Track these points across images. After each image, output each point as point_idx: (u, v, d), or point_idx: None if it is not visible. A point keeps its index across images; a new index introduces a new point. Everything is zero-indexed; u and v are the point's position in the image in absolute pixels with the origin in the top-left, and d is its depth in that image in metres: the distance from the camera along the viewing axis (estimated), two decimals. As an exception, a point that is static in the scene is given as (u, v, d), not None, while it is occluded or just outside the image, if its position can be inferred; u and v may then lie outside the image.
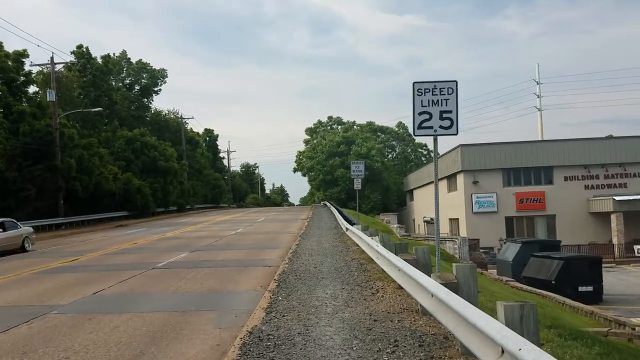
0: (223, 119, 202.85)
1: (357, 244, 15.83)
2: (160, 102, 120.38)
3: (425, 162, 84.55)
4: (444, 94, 7.51)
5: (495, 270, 24.37)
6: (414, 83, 7.60)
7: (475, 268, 5.34)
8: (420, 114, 7.55)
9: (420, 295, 5.27)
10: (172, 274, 12.82)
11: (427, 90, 7.52)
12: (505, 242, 25.25)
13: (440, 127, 7.54)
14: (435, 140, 7.93)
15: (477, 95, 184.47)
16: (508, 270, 22.18)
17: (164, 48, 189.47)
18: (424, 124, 7.56)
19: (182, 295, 10.08)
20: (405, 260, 6.76)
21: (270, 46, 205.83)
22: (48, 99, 35.17)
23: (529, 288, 17.28)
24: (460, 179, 38.65)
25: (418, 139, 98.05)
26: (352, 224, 18.30)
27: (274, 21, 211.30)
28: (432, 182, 45.30)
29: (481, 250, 28.42)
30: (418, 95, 7.54)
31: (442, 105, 7.52)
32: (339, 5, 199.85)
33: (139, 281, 12.04)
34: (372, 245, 9.47)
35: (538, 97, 68.80)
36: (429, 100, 7.53)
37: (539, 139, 57.35)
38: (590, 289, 19.08)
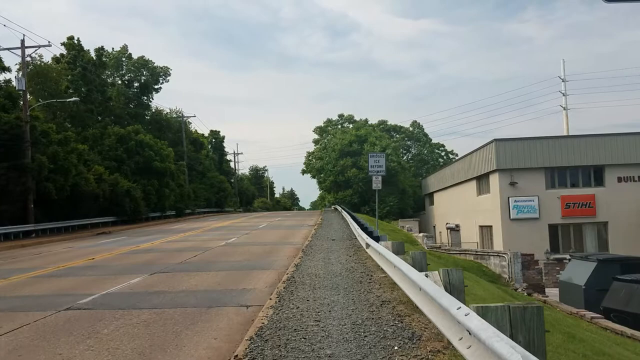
0: (235, 123, 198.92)
1: (379, 265, 10.77)
2: (168, 103, 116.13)
3: (442, 163, 79.15)
4: None
5: (557, 295, 19.03)
6: None
7: None
8: None
9: None
10: (84, 324, 7.86)
11: None
12: (570, 259, 19.88)
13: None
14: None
15: (489, 97, 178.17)
16: (578, 297, 16.81)
17: (180, 51, 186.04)
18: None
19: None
20: None
21: (285, 51, 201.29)
22: (17, 88, 30.52)
23: (632, 332, 11.96)
24: (494, 179, 33.18)
25: (435, 139, 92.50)
26: (373, 236, 13.19)
27: (291, 26, 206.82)
28: (456, 184, 39.96)
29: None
30: None
31: None
32: (355, 10, 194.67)
33: (7, 344, 7.07)
34: (444, 307, 4.07)
35: (564, 95, 63.55)
36: None
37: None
38: (702, 326, 13.75)
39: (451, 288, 5.37)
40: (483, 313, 3.56)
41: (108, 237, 28.90)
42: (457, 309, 3.81)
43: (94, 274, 13.41)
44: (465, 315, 3.57)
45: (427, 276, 5.69)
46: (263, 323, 6.80)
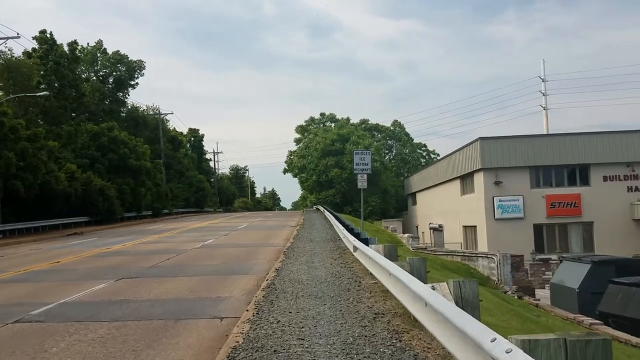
0: (215, 122, 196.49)
1: (367, 270, 9.89)
2: (146, 102, 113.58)
3: (424, 163, 78.82)
4: None
5: (545, 297, 18.41)
6: None
7: None
8: None
9: None
10: (32, 341, 6.83)
11: None
12: (561, 260, 19.27)
13: None
14: None
15: (467, 98, 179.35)
16: (572, 301, 16.14)
17: (160, 50, 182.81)
18: None
19: None
20: None
21: (267, 49, 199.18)
22: (-18, 81, 28.91)
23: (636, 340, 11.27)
24: (478, 178, 32.61)
25: (416, 139, 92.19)
26: (360, 237, 12.30)
27: (273, 24, 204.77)
28: (439, 184, 39.34)
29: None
30: None
31: None
32: (337, 10, 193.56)
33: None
34: (470, 335, 3.03)
35: (544, 95, 63.63)
36: None
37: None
38: None
39: (464, 303, 4.49)
40: (531, 348, 2.67)
41: (79, 238, 27.56)
42: (492, 341, 2.88)
43: (56, 279, 12.31)
44: (507, 353, 2.66)
45: (434, 289, 4.80)
46: (237, 342, 5.83)
